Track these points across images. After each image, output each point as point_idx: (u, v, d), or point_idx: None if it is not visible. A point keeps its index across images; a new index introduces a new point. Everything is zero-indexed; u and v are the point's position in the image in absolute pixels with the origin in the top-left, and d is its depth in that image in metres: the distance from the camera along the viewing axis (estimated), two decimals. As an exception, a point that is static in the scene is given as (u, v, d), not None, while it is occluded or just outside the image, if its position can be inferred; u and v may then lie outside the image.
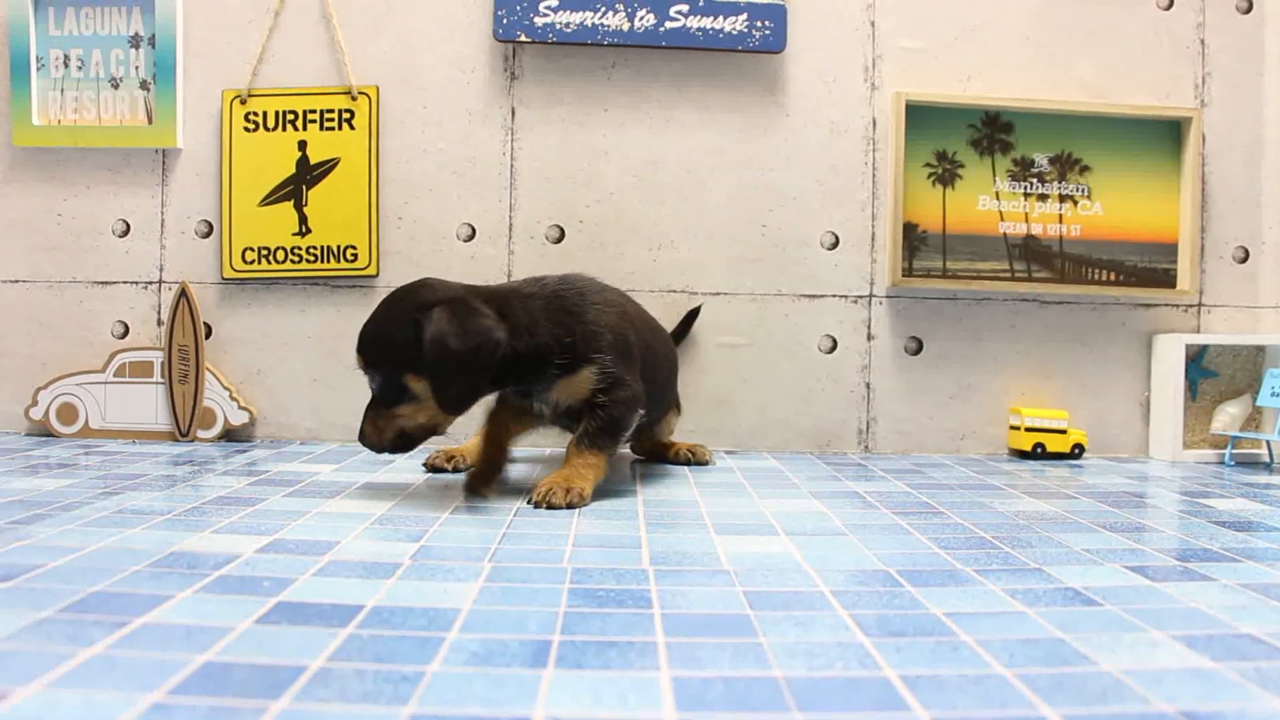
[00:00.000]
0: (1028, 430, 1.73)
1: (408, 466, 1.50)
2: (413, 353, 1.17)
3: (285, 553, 0.97)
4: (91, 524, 1.08)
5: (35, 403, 1.76)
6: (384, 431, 1.24)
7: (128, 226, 1.78)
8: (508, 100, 1.75)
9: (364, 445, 1.25)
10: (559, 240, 1.75)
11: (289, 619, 0.75)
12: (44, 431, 1.77)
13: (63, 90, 1.77)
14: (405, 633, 0.71)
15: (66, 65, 1.77)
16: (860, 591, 0.84)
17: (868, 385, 1.77)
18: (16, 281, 1.79)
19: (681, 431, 1.72)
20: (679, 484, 1.41)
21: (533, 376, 1.26)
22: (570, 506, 1.20)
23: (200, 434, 1.74)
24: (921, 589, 0.85)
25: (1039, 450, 1.72)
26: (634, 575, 0.90)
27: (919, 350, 1.77)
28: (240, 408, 1.74)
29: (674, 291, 1.75)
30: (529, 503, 1.22)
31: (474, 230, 1.75)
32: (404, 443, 1.25)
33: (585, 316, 1.28)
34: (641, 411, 1.31)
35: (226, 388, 1.73)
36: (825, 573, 0.91)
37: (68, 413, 1.75)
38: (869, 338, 1.76)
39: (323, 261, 1.74)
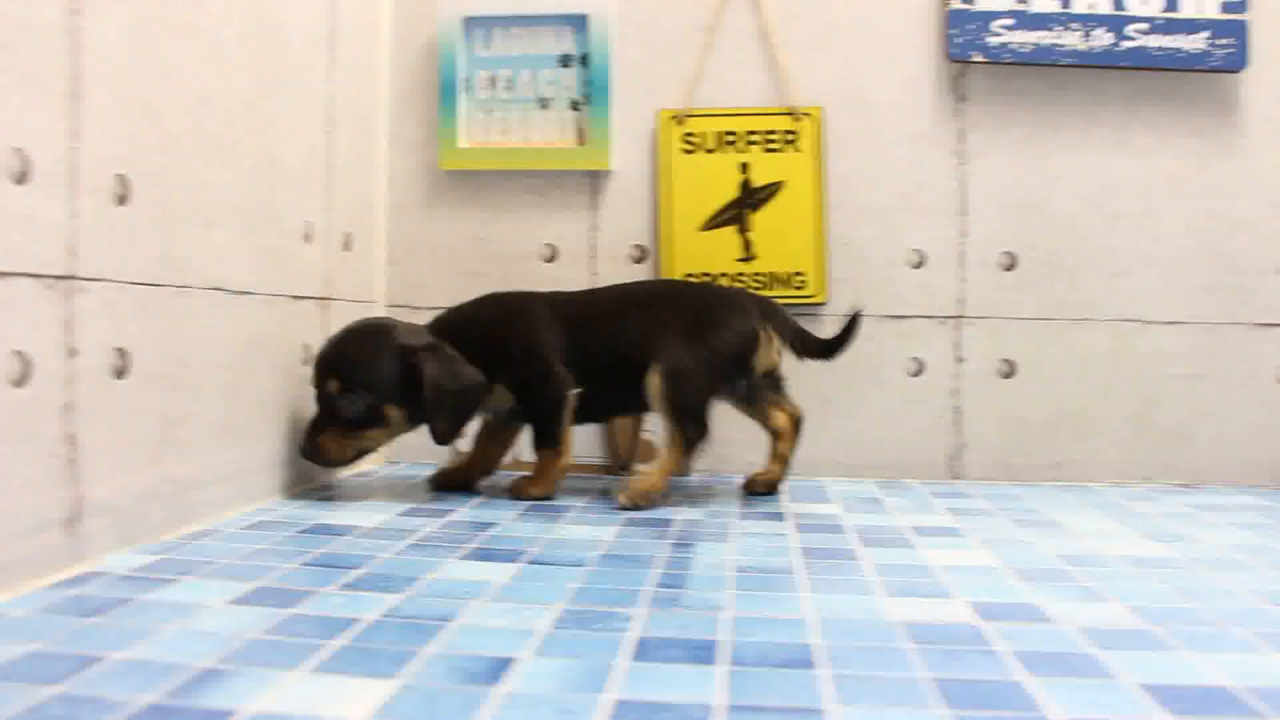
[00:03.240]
0: None
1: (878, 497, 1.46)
2: (397, 387, 1.35)
3: (1012, 619, 0.92)
4: (753, 589, 1.04)
5: (463, 434, 1.68)
6: (346, 449, 1.39)
7: (555, 251, 1.70)
8: (955, 123, 1.68)
9: (316, 461, 1.39)
10: (1011, 268, 1.67)
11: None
12: (469, 464, 1.69)
13: (489, 111, 1.70)
14: None
15: (494, 86, 1.69)
16: None
17: (1329, 415, 1.67)
18: (438, 308, 1.71)
19: (1133, 462, 1.73)
20: (1211, 529, 1.36)
21: None
22: (530, 498, 1.44)
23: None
24: None
25: None
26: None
27: (1382, 379, 1.67)
28: (678, 440, 1.66)
29: (1128, 320, 1.68)
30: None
31: (923, 257, 1.67)
32: (356, 459, 1.42)
33: (494, 337, 1.44)
34: (575, 391, 1.44)
35: (663, 420, 1.65)
36: None
37: (497, 445, 1.67)
38: (1328, 367, 1.67)
39: (769, 288, 1.67)
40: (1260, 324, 1.68)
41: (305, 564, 1.05)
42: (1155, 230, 1.67)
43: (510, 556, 1.11)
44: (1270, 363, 1.69)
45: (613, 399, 1.52)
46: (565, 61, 1.70)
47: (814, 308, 1.69)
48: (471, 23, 1.71)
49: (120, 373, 1.06)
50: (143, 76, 1.10)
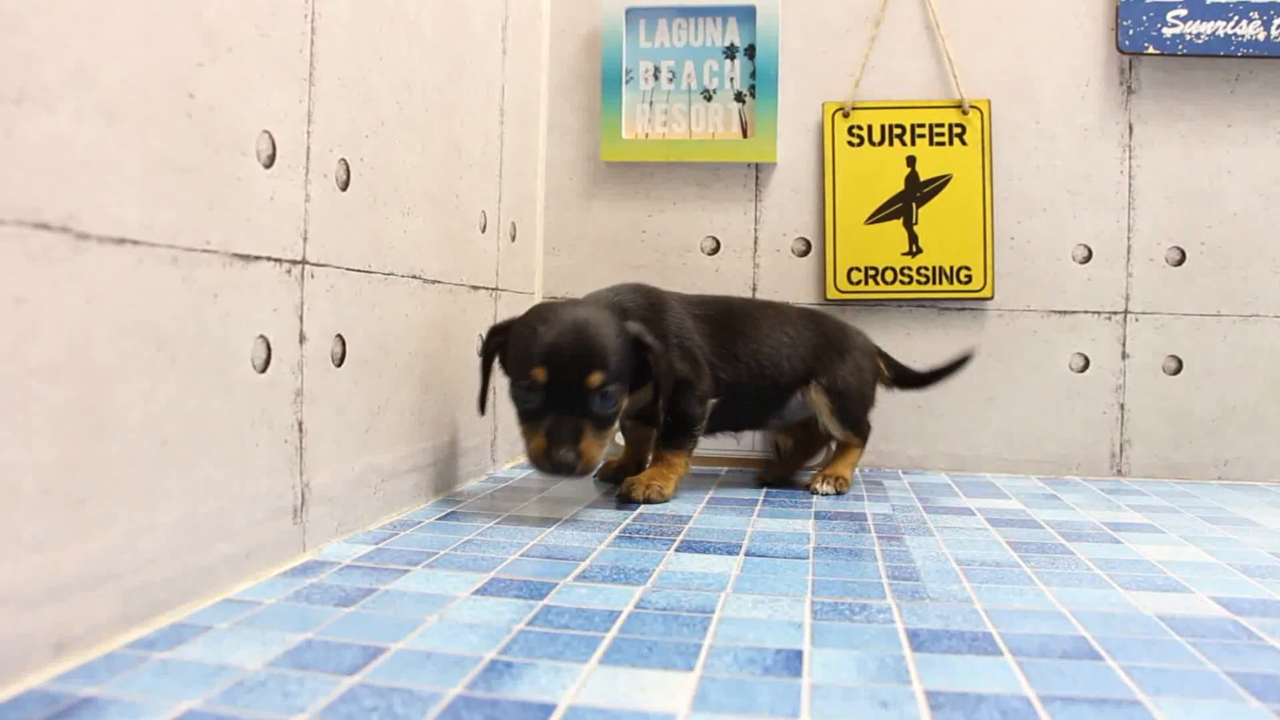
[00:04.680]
0: None
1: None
2: (630, 371, 1.22)
3: (1266, 615, 0.90)
4: (985, 581, 1.02)
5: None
6: (603, 452, 1.22)
7: (718, 244, 1.69)
8: (1124, 115, 1.65)
9: (574, 474, 1.20)
10: (1179, 263, 1.64)
11: None
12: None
13: (651, 103, 1.69)
14: None
15: (656, 77, 1.68)
16: None
17: None
18: (598, 301, 1.70)
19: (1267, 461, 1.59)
20: None
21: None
22: (648, 501, 1.32)
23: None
24: None
25: None
26: None
27: None
28: (843, 435, 1.64)
29: (1301, 317, 1.62)
30: (616, 497, 1.33)
31: (1090, 251, 1.65)
32: None
33: (652, 328, 1.31)
34: (713, 401, 1.37)
35: (826, 413, 1.63)
36: None
37: (654, 438, 1.66)
38: None
39: (934, 283, 1.64)
40: None
41: (525, 555, 1.04)
42: (1330, 225, 1.63)
43: (727, 549, 1.11)
44: None
45: (745, 412, 1.51)
46: (730, 53, 1.68)
47: (980, 302, 1.66)
48: (634, 14, 1.70)
49: (339, 360, 1.05)
50: (362, 61, 1.12)
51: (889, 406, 1.60)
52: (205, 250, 0.83)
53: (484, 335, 1.27)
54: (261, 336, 0.91)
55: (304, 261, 0.99)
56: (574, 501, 1.34)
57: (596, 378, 1.17)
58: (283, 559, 0.96)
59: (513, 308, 1.59)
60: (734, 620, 0.85)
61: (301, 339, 0.99)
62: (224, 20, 0.85)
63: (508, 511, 1.24)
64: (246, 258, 0.89)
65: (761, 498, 1.43)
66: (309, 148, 1.00)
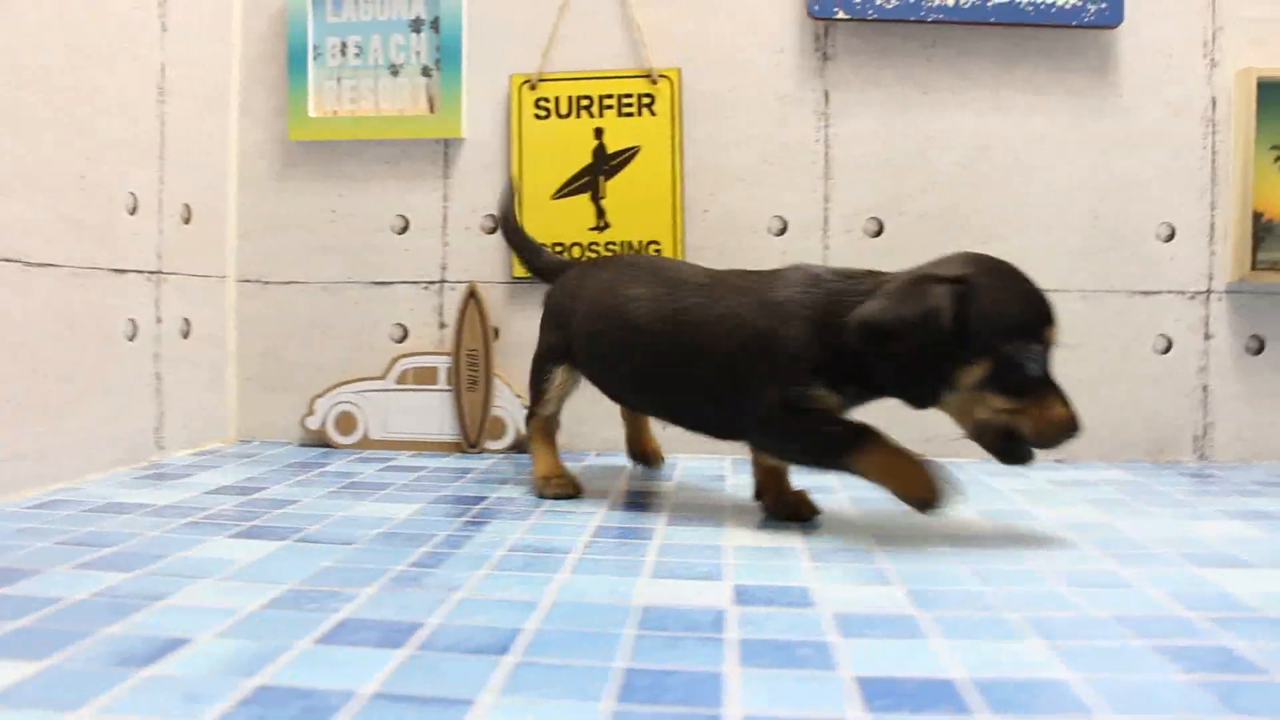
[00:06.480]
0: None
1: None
2: None
3: (764, 604, 0.86)
4: (510, 569, 0.97)
5: (312, 411, 1.65)
6: None
7: (406, 223, 1.66)
8: (820, 83, 1.61)
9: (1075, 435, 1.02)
10: (878, 234, 1.60)
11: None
12: (320, 442, 1.64)
13: (339, 80, 1.65)
14: None
15: (344, 53, 1.64)
16: None
17: (1205, 387, 1.61)
18: (290, 283, 1.69)
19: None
20: (1058, 505, 1.33)
21: None
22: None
23: (489, 445, 1.60)
24: None
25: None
26: None
27: (1260, 350, 1.60)
28: (533, 417, 1.60)
29: (1002, 287, 1.57)
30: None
31: (786, 224, 1.61)
32: None
33: None
34: None
35: (518, 395, 1.59)
36: None
37: (346, 422, 1.64)
38: (1206, 337, 1.61)
39: (624, 258, 1.59)
40: (1139, 291, 1.60)
41: (59, 543, 1.00)
42: (1031, 193, 1.61)
43: (282, 534, 1.05)
44: (1150, 332, 1.61)
45: None
46: (416, 26, 1.64)
47: (671, 277, 1.61)
48: (320, -13, 1.64)
49: None
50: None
51: (585, 389, 1.53)
52: None
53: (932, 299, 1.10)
54: None
55: None
56: (197, 487, 1.33)
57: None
58: None
59: (187, 292, 1.55)
60: (172, 608, 0.82)
61: None
62: None
63: (111, 499, 1.22)
64: None
65: (411, 481, 1.41)
66: None
